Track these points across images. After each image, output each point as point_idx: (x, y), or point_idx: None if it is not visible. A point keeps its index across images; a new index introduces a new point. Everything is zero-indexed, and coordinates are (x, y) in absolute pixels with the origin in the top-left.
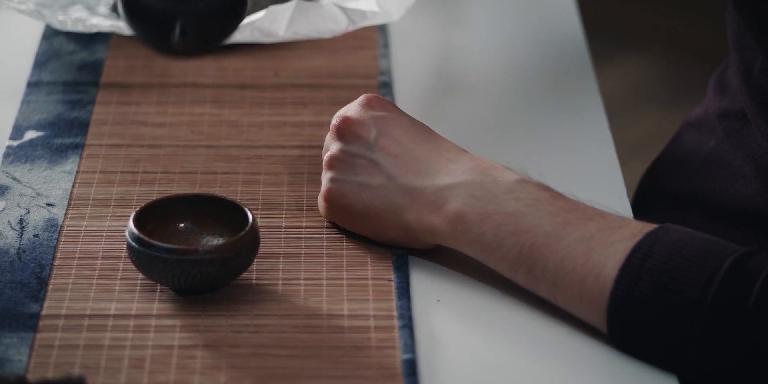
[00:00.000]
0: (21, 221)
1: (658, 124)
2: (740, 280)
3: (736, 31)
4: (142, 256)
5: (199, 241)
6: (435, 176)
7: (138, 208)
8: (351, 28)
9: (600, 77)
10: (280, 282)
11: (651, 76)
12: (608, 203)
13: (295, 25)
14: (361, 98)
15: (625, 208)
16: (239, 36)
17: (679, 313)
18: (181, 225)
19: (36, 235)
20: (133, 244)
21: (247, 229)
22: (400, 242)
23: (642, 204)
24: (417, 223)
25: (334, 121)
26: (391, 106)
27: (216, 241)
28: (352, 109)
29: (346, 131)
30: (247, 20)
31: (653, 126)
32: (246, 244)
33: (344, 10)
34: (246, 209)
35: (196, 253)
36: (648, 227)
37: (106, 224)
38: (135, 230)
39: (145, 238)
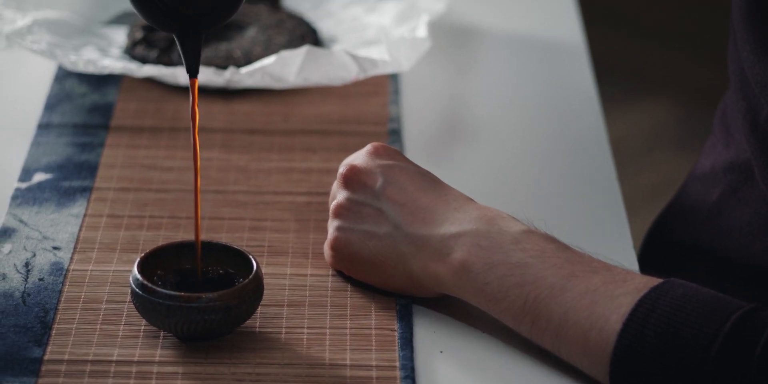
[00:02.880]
0: (27, 264)
1: (670, 169)
2: (744, 337)
3: (740, 76)
4: (146, 302)
5: (204, 287)
6: (441, 225)
7: (142, 254)
8: (361, 76)
9: (611, 121)
10: (284, 330)
11: (663, 120)
12: (614, 255)
13: (305, 72)
14: (368, 147)
15: (630, 260)
16: (249, 81)
17: (683, 369)
18: (186, 271)
19: (41, 279)
20: (137, 290)
21: (251, 276)
22: (405, 291)
23: (649, 255)
24: (422, 272)
25: (341, 169)
26: (398, 154)
27: (220, 288)
28: (359, 158)
29: (352, 180)
30: (257, 65)
31: (665, 171)
32: (250, 291)
33: (355, 58)
34: (251, 256)
35: (200, 300)
36: (653, 282)
37: (112, 269)
38: (139, 276)
39: (149, 285)
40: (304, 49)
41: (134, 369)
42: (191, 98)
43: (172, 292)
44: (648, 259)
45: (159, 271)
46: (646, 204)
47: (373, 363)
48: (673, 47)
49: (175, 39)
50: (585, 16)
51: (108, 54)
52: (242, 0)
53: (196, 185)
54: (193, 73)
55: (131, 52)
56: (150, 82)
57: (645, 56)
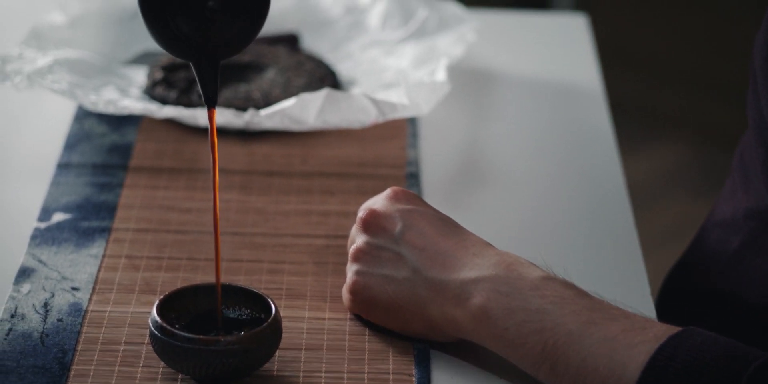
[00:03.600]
0: (45, 305)
1: (687, 211)
2: None
3: (759, 122)
4: (164, 344)
5: (222, 330)
6: (460, 270)
7: (161, 296)
8: (380, 120)
9: (628, 163)
10: (302, 374)
11: (680, 161)
12: (631, 301)
13: (325, 114)
14: (388, 191)
15: (648, 307)
16: (269, 123)
17: None
18: (204, 313)
19: (60, 320)
20: (156, 332)
21: (269, 320)
22: (423, 335)
23: (668, 302)
24: (441, 317)
25: (361, 213)
26: (418, 199)
27: (239, 331)
28: (378, 202)
29: (372, 224)
30: (277, 107)
31: (682, 213)
32: (268, 335)
33: (374, 101)
34: (270, 300)
35: (218, 343)
36: (672, 330)
37: (130, 310)
38: (158, 319)
39: (168, 327)
40: (323, 92)
41: None
42: (210, 129)
43: (191, 335)
44: (666, 306)
45: (178, 313)
46: (662, 246)
47: None
48: (690, 89)
49: (193, 68)
50: (602, 58)
51: (128, 94)
52: (259, 29)
53: (216, 223)
54: (211, 103)
55: (151, 92)
56: (169, 122)
57: (662, 98)
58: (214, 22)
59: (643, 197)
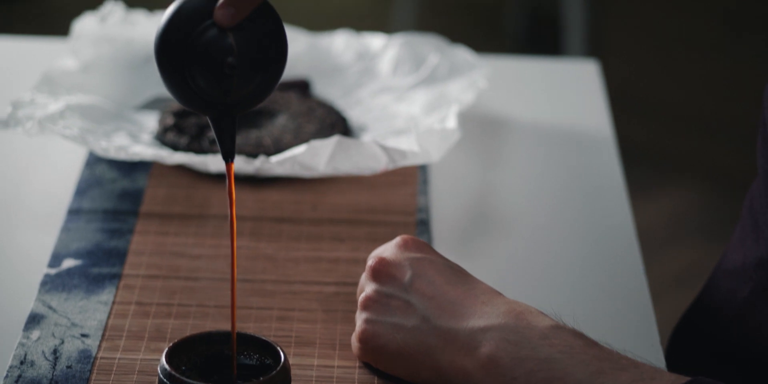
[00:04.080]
0: (55, 351)
1: (697, 257)
2: None
3: None
4: None
5: (232, 379)
6: (469, 319)
7: (170, 344)
8: (391, 167)
9: (638, 207)
10: None
11: (690, 206)
12: (641, 350)
13: (335, 161)
14: (398, 239)
15: (657, 356)
16: (279, 169)
17: None
18: (214, 361)
19: (69, 367)
20: (165, 380)
21: (278, 368)
22: None
23: (677, 350)
24: (450, 366)
25: (370, 261)
26: (427, 247)
27: (248, 379)
28: (388, 250)
29: (381, 272)
30: (288, 154)
31: (692, 259)
32: (278, 383)
33: (385, 148)
34: (278, 348)
35: None
36: (680, 380)
37: (139, 357)
38: (166, 366)
39: (177, 375)
40: (334, 139)
41: None
42: (228, 182)
43: (199, 383)
44: (676, 354)
45: (187, 361)
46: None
47: None
48: (702, 134)
49: (210, 122)
50: (613, 103)
51: (139, 140)
52: (276, 83)
53: (233, 273)
54: (229, 157)
55: (162, 138)
56: (180, 168)
57: (673, 143)
58: (232, 78)
59: (653, 242)
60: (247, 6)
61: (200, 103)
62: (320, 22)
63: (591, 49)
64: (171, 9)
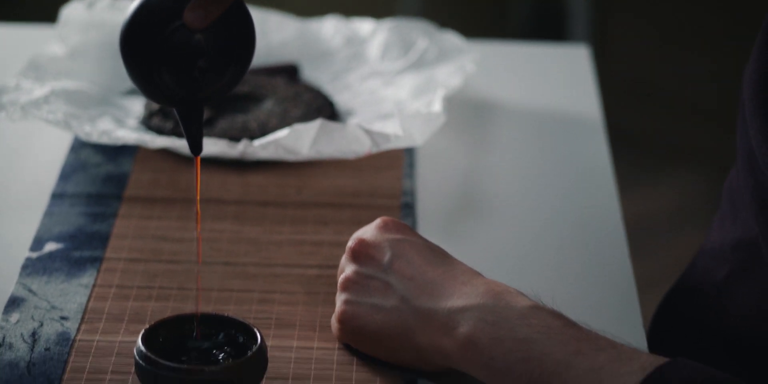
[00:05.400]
0: (34, 334)
1: (690, 246)
2: None
3: (747, 153)
4: (149, 374)
5: (208, 360)
6: (448, 299)
7: (147, 326)
8: (374, 151)
9: (629, 196)
10: None
11: (683, 194)
12: (623, 333)
13: (318, 145)
14: (378, 221)
15: (639, 338)
16: (263, 153)
17: None
18: (190, 343)
19: (47, 349)
20: (141, 362)
21: (254, 350)
22: (412, 364)
23: (659, 332)
24: (429, 346)
25: (350, 243)
26: (407, 229)
27: (225, 361)
28: (368, 232)
29: (361, 253)
30: (271, 137)
31: (684, 248)
32: (253, 365)
33: (368, 132)
34: (256, 330)
35: (203, 373)
36: (659, 361)
37: (118, 340)
38: (143, 348)
39: (152, 357)
40: (317, 123)
41: None
42: (196, 176)
43: (175, 365)
44: (657, 335)
45: (164, 343)
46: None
47: None
48: (692, 120)
49: (177, 114)
50: (603, 88)
51: (124, 124)
52: (245, 73)
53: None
54: (197, 150)
55: (148, 122)
56: (165, 152)
57: (676, 130)
58: (203, 79)
59: (643, 232)
60: (218, 8)
61: (167, 99)
62: (332, 8)
63: (595, 37)
64: (136, 4)
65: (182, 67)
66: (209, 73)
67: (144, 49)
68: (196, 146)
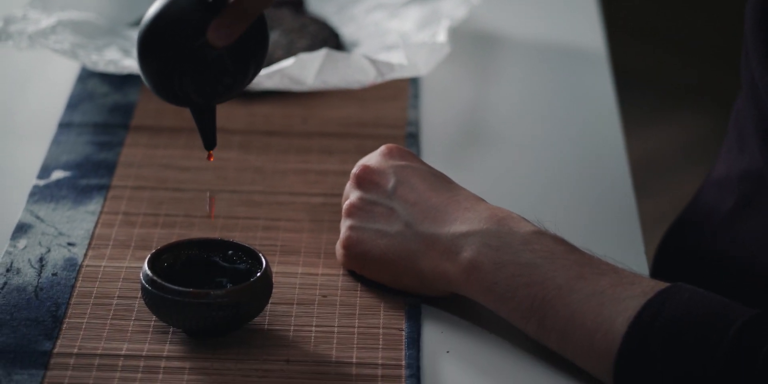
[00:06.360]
0: (41, 260)
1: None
2: (748, 343)
3: (751, 84)
4: (155, 298)
5: (213, 284)
6: (451, 224)
7: (154, 250)
8: (379, 80)
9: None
10: (292, 328)
11: (689, 132)
12: (626, 259)
13: (323, 75)
14: (382, 148)
15: (641, 265)
16: (268, 83)
17: (687, 374)
18: (196, 268)
19: (54, 274)
20: (147, 285)
21: (259, 274)
22: (415, 289)
23: (664, 261)
24: (432, 271)
25: (355, 169)
26: (411, 156)
27: (230, 285)
28: (372, 159)
29: (365, 180)
30: (276, 67)
31: (691, 184)
32: (258, 289)
33: (373, 61)
34: (261, 255)
35: (208, 296)
36: (660, 285)
37: (125, 265)
38: (149, 272)
39: (158, 280)
40: (322, 52)
41: (142, 363)
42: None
43: (181, 288)
44: (661, 264)
45: (170, 268)
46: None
47: (379, 362)
48: (697, 58)
49: (191, 114)
50: (608, 26)
51: (130, 55)
52: (254, 75)
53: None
54: (210, 146)
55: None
56: None
57: (669, 66)
58: (224, 91)
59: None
60: (242, 27)
61: (181, 103)
62: None
63: None
64: (159, 8)
65: (208, 82)
66: (231, 85)
67: (166, 60)
68: (209, 142)
